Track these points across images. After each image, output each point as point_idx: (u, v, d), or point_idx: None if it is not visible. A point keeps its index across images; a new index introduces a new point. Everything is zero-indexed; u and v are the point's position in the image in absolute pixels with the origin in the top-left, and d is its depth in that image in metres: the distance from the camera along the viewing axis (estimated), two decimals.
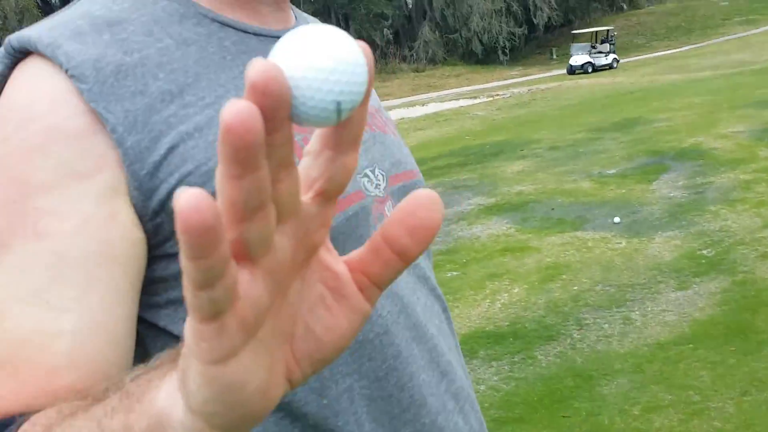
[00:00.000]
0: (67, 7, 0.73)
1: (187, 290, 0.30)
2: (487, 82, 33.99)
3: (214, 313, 0.30)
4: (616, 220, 6.32)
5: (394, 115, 22.16)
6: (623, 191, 7.35)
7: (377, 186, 0.79)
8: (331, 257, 0.37)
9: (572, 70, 31.87)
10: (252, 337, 0.32)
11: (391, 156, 0.84)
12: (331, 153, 0.34)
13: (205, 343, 0.31)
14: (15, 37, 0.66)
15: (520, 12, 38.37)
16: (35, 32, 0.66)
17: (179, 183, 0.63)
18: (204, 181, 0.64)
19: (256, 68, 0.28)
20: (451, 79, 35.98)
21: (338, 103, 0.31)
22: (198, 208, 0.27)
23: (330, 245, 0.37)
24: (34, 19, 26.08)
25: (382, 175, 0.80)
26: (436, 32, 39.21)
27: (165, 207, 0.63)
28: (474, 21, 37.31)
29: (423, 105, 24.79)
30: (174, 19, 0.72)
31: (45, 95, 0.64)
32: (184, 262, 0.28)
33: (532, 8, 38.52)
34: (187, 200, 0.27)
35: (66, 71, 0.63)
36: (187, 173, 0.64)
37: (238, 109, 0.27)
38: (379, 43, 38.68)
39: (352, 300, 0.36)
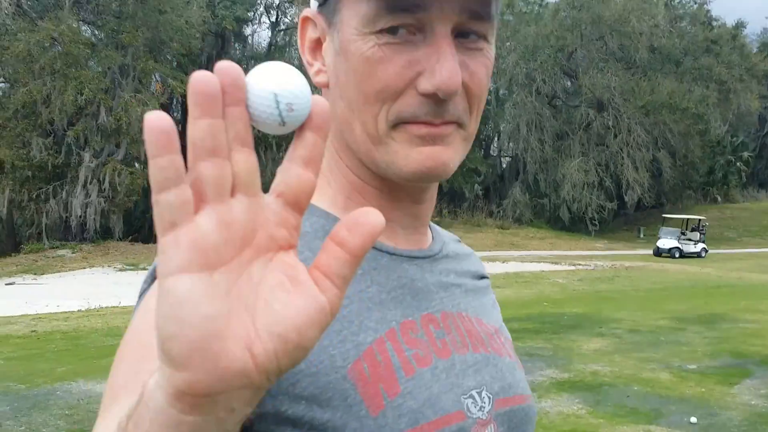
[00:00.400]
0: None
1: (153, 199, 0.40)
2: (571, 249, 33.87)
3: (170, 222, 0.40)
4: (693, 420, 6.09)
5: None
6: (702, 390, 7.10)
7: (481, 408, 0.78)
8: (293, 259, 0.45)
9: (659, 253, 31.49)
10: (205, 266, 0.40)
11: (502, 379, 0.83)
12: (287, 164, 0.44)
13: (163, 255, 0.40)
14: None
15: (612, 187, 38.64)
16: None
17: (285, 379, 0.66)
18: (311, 381, 0.67)
19: (222, 62, 0.42)
20: (534, 241, 36.03)
21: (275, 95, 0.43)
22: (160, 117, 0.39)
23: (295, 254, 0.45)
24: None
25: (489, 397, 0.80)
26: (526, 194, 39.76)
27: (267, 397, 0.65)
28: (565, 189, 37.74)
29: (504, 262, 24.84)
30: (318, 235, 0.76)
31: None
32: (149, 165, 0.39)
33: (624, 186, 38.75)
34: (152, 113, 0.39)
35: None
36: (298, 371, 0.66)
37: (203, 72, 0.40)
38: (468, 195, 39.44)
39: (307, 286, 0.43)
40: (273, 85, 0.43)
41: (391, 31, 0.70)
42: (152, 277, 0.73)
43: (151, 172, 0.39)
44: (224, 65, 0.42)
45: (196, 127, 0.40)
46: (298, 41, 0.81)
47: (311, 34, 0.79)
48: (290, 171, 0.44)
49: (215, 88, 0.40)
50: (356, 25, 0.72)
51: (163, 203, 0.40)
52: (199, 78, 0.40)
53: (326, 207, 0.80)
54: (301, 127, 0.45)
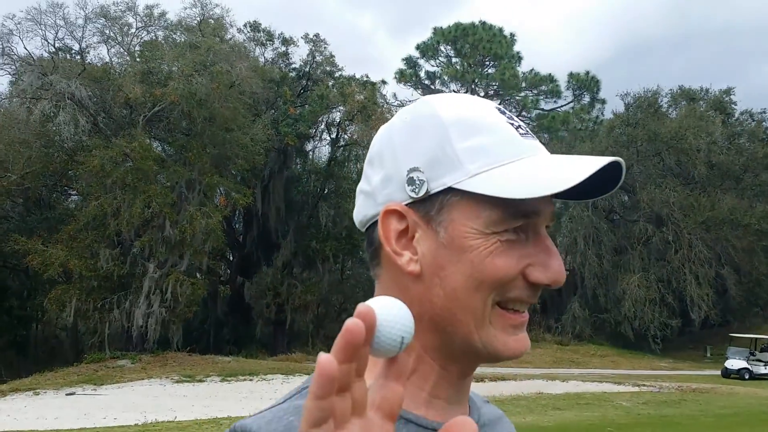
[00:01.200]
0: (285, 397, 0.85)
1: (303, 429, 0.49)
2: (634, 368, 32.77)
3: None
4: None
5: (533, 386, 21.61)
6: None
7: None
8: None
9: (727, 374, 30.26)
10: None
11: None
12: (383, 381, 0.54)
13: None
14: (240, 425, 0.79)
15: (675, 304, 37.59)
16: (256, 424, 0.78)
17: None
18: None
19: (361, 307, 0.51)
20: (595, 359, 35.03)
21: (402, 338, 0.55)
22: (331, 363, 0.48)
23: None
24: (218, 240, 28.73)
25: None
26: (586, 310, 38.95)
27: None
28: (626, 305, 36.87)
29: (563, 381, 24.14)
30: None
31: None
32: (309, 403, 0.49)
33: (688, 303, 37.63)
34: (326, 356, 0.48)
35: None
36: None
37: (357, 323, 0.50)
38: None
39: None
40: (402, 331, 0.54)
41: (509, 230, 0.81)
42: None
43: (311, 407, 0.49)
44: (364, 312, 0.50)
45: (340, 370, 0.49)
46: (381, 231, 0.84)
47: (396, 225, 0.84)
48: (387, 386, 0.53)
49: (362, 340, 0.49)
50: (477, 225, 0.80)
51: None
52: (353, 329, 0.49)
53: None
54: None
